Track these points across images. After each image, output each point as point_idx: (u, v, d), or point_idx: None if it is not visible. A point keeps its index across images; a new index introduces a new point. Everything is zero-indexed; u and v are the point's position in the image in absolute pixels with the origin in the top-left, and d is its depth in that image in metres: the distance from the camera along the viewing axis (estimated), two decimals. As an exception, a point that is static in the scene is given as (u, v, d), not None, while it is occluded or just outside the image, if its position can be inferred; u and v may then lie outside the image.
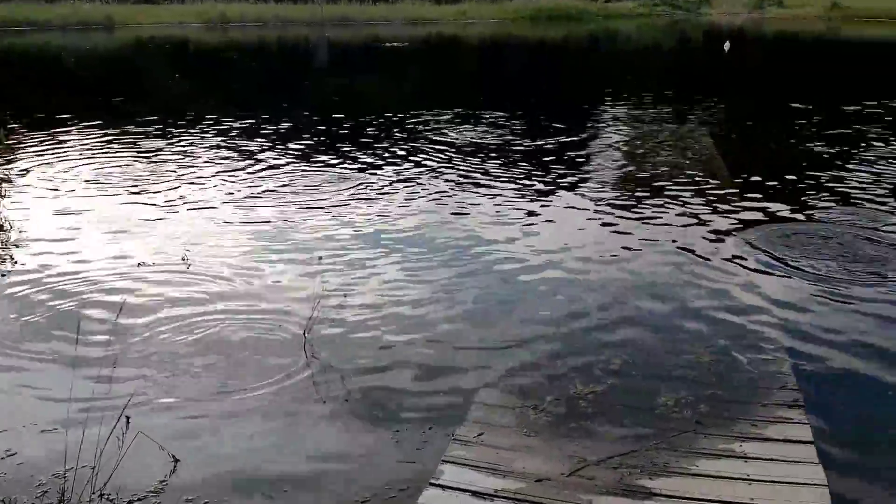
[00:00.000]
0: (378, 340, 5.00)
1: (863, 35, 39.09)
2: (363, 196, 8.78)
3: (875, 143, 11.30)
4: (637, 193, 8.74)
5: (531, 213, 8.00)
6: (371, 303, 5.61)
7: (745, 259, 6.42)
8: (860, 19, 47.91)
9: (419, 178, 9.72)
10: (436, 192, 8.90)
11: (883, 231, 7.05)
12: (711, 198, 8.35)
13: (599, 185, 9.18)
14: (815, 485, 3.27)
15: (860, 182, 8.98)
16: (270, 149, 11.68)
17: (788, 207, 7.92)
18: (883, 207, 7.87)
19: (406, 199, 8.60)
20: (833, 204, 8.07)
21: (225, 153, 11.41)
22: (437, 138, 12.43)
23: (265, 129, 13.52)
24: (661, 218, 7.70)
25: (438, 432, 3.91)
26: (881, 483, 3.48)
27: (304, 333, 4.98)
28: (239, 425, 4.03)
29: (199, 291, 5.84)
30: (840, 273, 6.03)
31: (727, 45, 29.49)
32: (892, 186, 8.72)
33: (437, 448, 3.71)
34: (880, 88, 17.92)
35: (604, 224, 7.61)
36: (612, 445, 3.66)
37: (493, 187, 9.11)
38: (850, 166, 9.83)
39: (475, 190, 9.01)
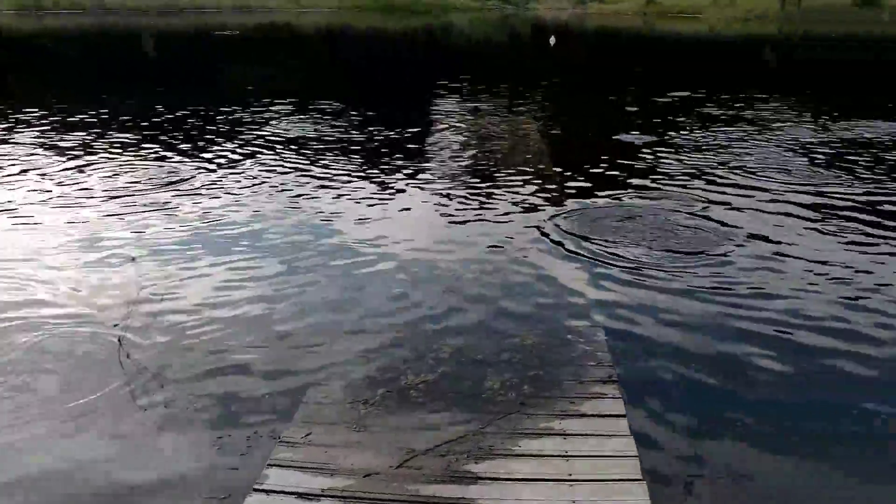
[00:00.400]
0: (202, 343, 4.80)
1: (674, 30, 42.00)
2: (190, 193, 8.41)
3: (685, 133, 12.18)
4: (469, 185, 8.93)
5: (365, 207, 7.97)
6: (194, 304, 5.38)
7: (565, 244, 6.71)
8: (672, 15, 51.50)
9: (250, 171, 9.44)
10: (268, 187, 8.69)
11: (690, 214, 7.61)
12: (537, 187, 8.68)
13: (434, 177, 9.30)
14: (627, 457, 3.46)
15: (672, 169, 9.64)
16: (87, 144, 10.95)
17: (608, 193, 8.38)
18: (692, 192, 8.49)
19: (236, 196, 8.33)
20: (647, 190, 8.61)
21: (37, 149, 10.56)
22: (270, 131, 12.14)
23: (83, 122, 12.64)
24: (491, 208, 7.91)
25: (265, 435, 3.81)
26: (685, 449, 3.74)
27: (118, 340, 4.69)
28: (49, 441, 3.74)
29: (2, 301, 5.37)
30: (650, 254, 6.44)
31: (553, 40, 30.83)
32: (698, 172, 9.43)
33: (263, 452, 3.62)
34: (688, 81, 19.35)
35: (437, 216, 7.71)
36: (440, 433, 3.71)
37: (328, 180, 9.02)
38: (663, 154, 10.54)
39: (308, 184, 8.87)
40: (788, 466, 3.61)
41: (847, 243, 6.74)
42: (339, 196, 8.35)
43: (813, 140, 11.47)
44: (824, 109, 14.79)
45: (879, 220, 7.42)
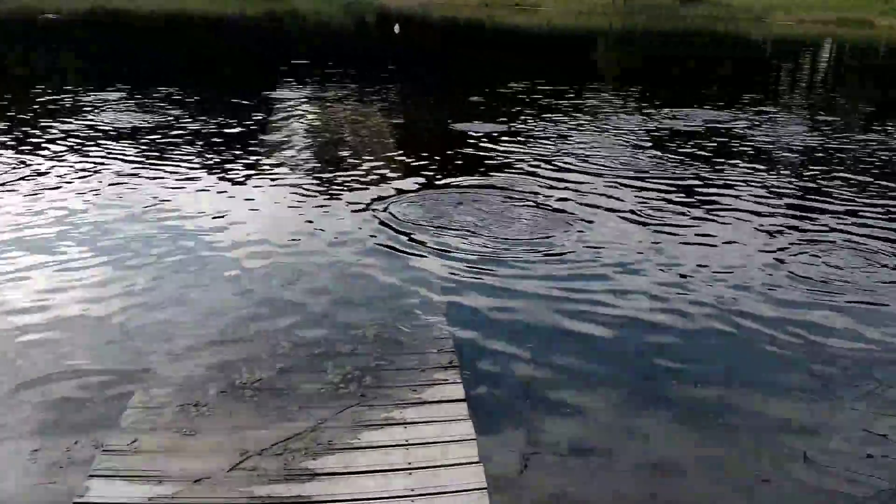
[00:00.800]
0: (20, 349, 4.42)
1: (513, 22, 43.23)
2: (8, 189, 7.72)
3: (522, 123, 12.53)
4: (311, 175, 8.76)
5: (202, 200, 7.63)
6: (14, 308, 4.96)
7: (406, 233, 6.72)
8: (514, 6, 53.00)
9: (75, 163, 8.81)
10: (96, 180, 8.15)
11: (528, 201, 7.83)
12: (379, 177, 8.65)
13: (274, 169, 9.04)
14: (465, 440, 3.51)
15: (511, 158, 9.89)
16: None
17: (448, 182, 8.49)
18: (530, 179, 8.75)
19: (62, 192, 7.73)
20: (486, 177, 8.79)
21: None
22: (97, 120, 11.36)
23: None
24: (332, 199, 7.80)
25: (87, 445, 3.55)
26: (523, 429, 3.84)
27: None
28: None
29: None
30: (490, 240, 6.58)
31: (397, 28, 30.90)
32: (536, 160, 9.73)
33: (85, 463, 3.36)
34: (526, 72, 19.95)
35: (277, 208, 7.51)
36: (277, 432, 3.59)
37: (164, 172, 8.57)
38: (503, 143, 10.80)
39: (142, 176, 8.41)
40: (622, 439, 3.79)
41: (673, 226, 7.17)
42: (175, 189, 7.95)
43: (640, 129, 12.14)
44: (651, 100, 15.70)
45: (698, 202, 7.96)
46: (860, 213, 7.62)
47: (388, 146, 10.46)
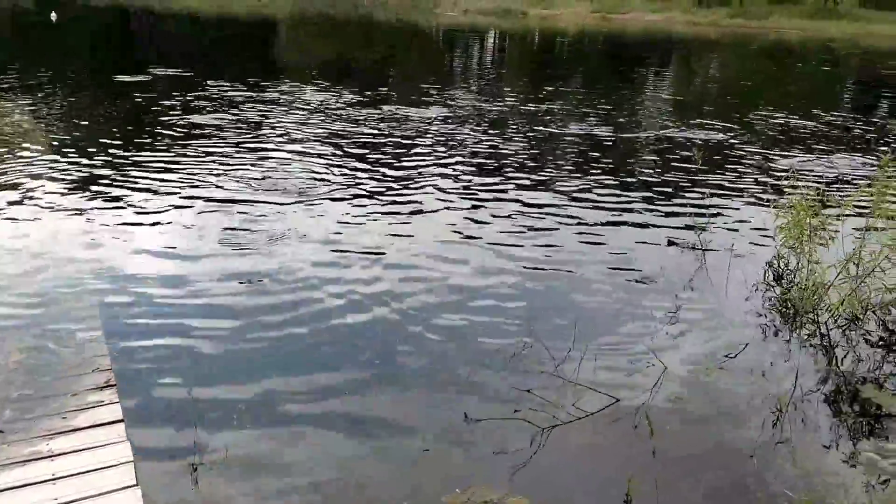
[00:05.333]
0: None
1: (186, 7, 41.21)
2: None
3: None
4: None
5: None
6: None
7: (171, 249, 6.14)
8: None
9: None
10: None
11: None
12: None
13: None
14: (121, 464, 3.29)
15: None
16: None
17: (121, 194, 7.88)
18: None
19: None
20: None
21: None
22: None
23: None
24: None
25: None
26: (182, 446, 3.68)
27: None
28: None
29: None
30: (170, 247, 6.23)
31: (54, 15, 28.25)
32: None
33: None
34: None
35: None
36: None
37: None
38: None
39: None
40: (293, 450, 3.73)
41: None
42: None
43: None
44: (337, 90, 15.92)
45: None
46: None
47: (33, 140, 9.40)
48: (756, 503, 3.45)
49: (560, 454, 3.75)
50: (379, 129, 11.25)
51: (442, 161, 9.38)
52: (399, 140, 10.55)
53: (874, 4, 47.51)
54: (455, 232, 6.84)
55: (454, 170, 8.97)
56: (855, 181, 9.10)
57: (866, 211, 5.62)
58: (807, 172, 9.48)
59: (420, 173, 8.74)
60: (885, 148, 11.07)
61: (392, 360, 4.56)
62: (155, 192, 7.58)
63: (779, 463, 3.77)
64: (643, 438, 3.84)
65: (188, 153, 9.24)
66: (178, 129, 10.60)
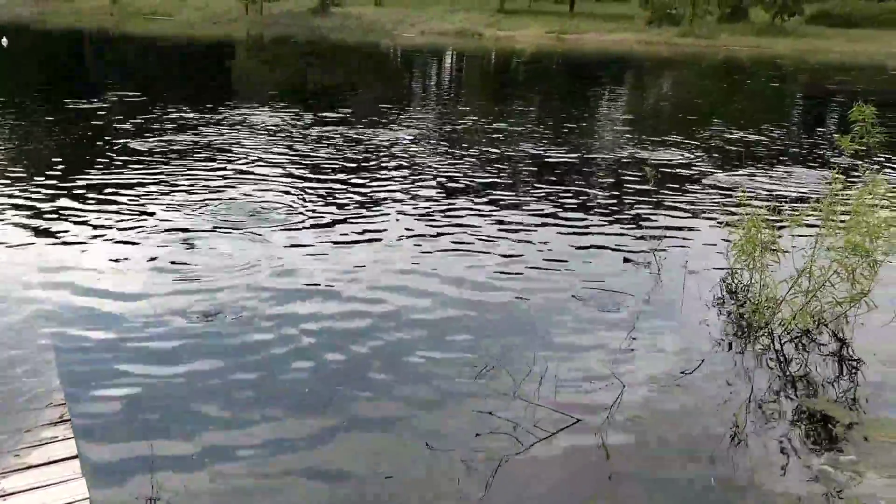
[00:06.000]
0: None
1: (145, 31, 40.89)
2: None
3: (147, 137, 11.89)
4: None
5: None
6: None
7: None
8: (144, 15, 50.16)
9: None
10: None
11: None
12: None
13: None
14: (76, 502, 3.22)
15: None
16: None
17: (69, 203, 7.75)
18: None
19: None
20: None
21: None
22: None
23: None
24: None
25: None
26: (141, 479, 3.62)
27: None
28: None
29: None
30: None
31: (5, 41, 27.89)
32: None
33: None
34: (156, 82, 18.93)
35: None
36: None
37: None
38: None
39: None
40: (254, 485, 3.72)
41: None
42: None
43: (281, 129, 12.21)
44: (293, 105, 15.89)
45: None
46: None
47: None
48: (715, 519, 3.51)
49: (522, 477, 3.77)
50: (336, 153, 11.22)
51: (401, 185, 9.39)
52: (357, 164, 10.55)
53: (821, 22, 48.98)
54: (413, 256, 6.83)
55: (412, 194, 8.97)
56: (806, 196, 9.34)
57: (817, 225, 5.77)
58: (758, 188, 9.72)
59: (377, 199, 8.70)
60: (835, 162, 11.37)
61: (351, 390, 4.54)
62: (108, 222, 7.45)
63: (736, 477, 3.84)
64: (602, 458, 3.88)
65: (142, 181, 9.10)
66: (132, 156, 10.42)
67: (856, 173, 9.34)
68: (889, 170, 11.08)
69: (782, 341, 5.37)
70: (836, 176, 5.70)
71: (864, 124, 5.60)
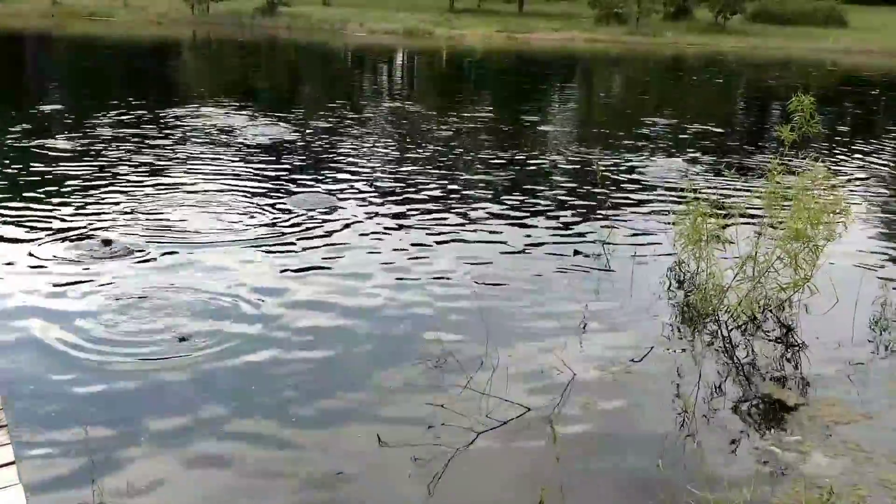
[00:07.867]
0: None
1: (86, 32, 39.98)
2: None
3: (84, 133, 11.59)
4: None
5: None
6: None
7: None
8: (84, 17, 48.99)
9: None
10: None
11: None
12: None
13: None
14: (13, 509, 3.11)
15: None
16: None
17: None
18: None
19: None
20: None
21: None
22: None
23: None
24: None
25: None
26: (81, 481, 3.51)
27: None
28: None
29: None
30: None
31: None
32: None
33: None
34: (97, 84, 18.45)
35: None
36: None
37: None
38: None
39: None
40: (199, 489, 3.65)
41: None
42: None
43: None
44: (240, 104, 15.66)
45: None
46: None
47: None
48: None
49: (474, 468, 3.77)
50: (286, 156, 11.05)
51: (349, 185, 9.27)
52: (307, 166, 10.43)
53: (762, 20, 50.21)
54: (362, 255, 6.73)
55: (361, 194, 8.87)
56: (749, 187, 9.53)
57: (760, 213, 5.88)
58: (704, 179, 9.89)
59: (323, 200, 8.52)
60: (775, 152, 11.64)
61: (300, 385, 4.49)
62: (42, 224, 7.22)
63: (685, 461, 3.88)
64: (552, 446, 3.89)
65: (86, 191, 8.77)
66: (73, 164, 10.08)
67: (796, 161, 9.57)
68: (827, 157, 11.40)
69: (729, 328, 5.46)
70: (777, 165, 5.82)
71: (802, 115, 5.73)
